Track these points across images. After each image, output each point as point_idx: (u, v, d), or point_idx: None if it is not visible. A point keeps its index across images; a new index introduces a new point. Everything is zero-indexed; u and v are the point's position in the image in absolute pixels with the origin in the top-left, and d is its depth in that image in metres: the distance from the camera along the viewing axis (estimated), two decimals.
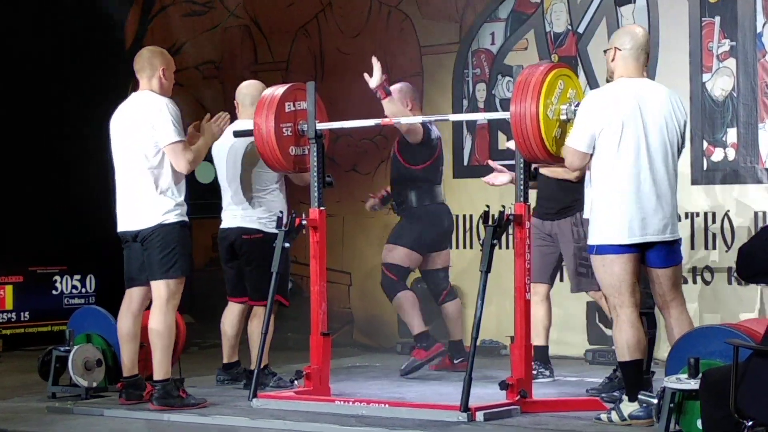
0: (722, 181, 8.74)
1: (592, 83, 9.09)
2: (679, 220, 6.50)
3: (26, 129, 10.58)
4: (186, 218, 7.18)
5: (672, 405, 5.54)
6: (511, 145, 7.80)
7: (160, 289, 7.08)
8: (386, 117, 7.92)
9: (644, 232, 6.21)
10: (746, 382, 4.79)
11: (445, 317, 8.68)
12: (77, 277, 10.88)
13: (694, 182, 8.81)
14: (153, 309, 7.12)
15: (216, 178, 8.10)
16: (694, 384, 5.39)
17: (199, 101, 11.08)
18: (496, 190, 8.97)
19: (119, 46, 11.39)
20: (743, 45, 8.65)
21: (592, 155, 6.30)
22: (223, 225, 7.98)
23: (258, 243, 7.79)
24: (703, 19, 8.81)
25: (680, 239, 6.40)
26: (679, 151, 6.38)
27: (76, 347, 7.54)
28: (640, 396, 6.08)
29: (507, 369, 6.88)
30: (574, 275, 7.72)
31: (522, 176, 6.72)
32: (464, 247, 9.90)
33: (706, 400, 5.01)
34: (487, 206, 6.70)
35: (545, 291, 7.83)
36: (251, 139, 7.57)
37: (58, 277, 10.78)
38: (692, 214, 8.79)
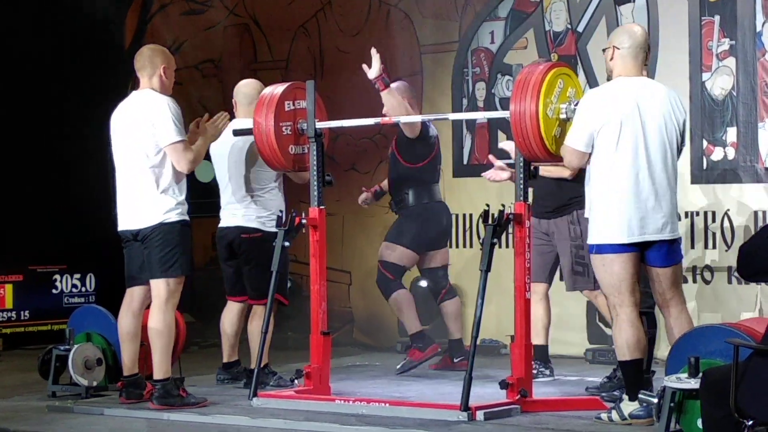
0: (722, 181, 8.74)
1: (592, 82, 9.10)
2: (679, 219, 6.50)
3: (26, 129, 10.59)
4: (187, 217, 7.18)
5: (672, 404, 5.54)
6: (505, 146, 7.83)
7: (159, 287, 7.08)
8: (385, 115, 7.94)
9: (643, 231, 6.21)
10: (746, 381, 4.79)
11: (444, 316, 8.68)
12: (77, 276, 10.88)
13: (693, 181, 8.81)
14: (152, 308, 7.12)
15: (215, 177, 8.10)
16: (694, 383, 5.39)
17: (199, 100, 11.07)
18: (495, 189, 8.99)
19: (118, 45, 11.39)
20: (743, 44, 8.66)
21: (590, 154, 6.30)
22: (222, 224, 7.98)
23: (257, 242, 7.79)
24: (702, 18, 8.81)
25: (680, 238, 6.40)
26: (679, 150, 6.37)
27: (76, 346, 7.54)
28: (640, 395, 6.07)
29: (507, 368, 6.88)
30: (570, 274, 7.72)
31: (522, 175, 6.72)
32: (464, 246, 9.91)
33: (706, 400, 5.01)
34: (487, 205, 6.70)
35: (544, 290, 7.83)
36: (252, 137, 7.57)
37: (58, 276, 10.79)
38: (692, 213, 8.80)
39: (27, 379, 8.29)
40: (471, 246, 9.85)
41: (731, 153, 8.71)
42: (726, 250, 8.67)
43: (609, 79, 6.45)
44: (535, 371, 7.26)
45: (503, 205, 6.77)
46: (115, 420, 6.94)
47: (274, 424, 6.57)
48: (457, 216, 9.80)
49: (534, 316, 7.26)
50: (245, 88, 8.06)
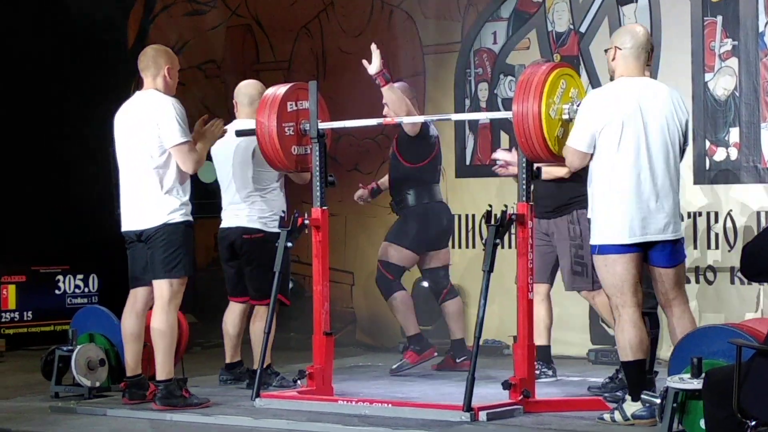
0: (724, 181, 8.73)
1: (594, 83, 9.09)
2: (682, 220, 6.49)
3: (26, 129, 10.59)
4: (191, 218, 7.19)
5: (675, 405, 5.54)
6: (499, 155, 7.83)
7: (162, 288, 7.08)
8: (387, 116, 7.94)
9: (644, 231, 6.21)
10: (749, 381, 4.79)
11: (446, 316, 8.69)
12: (80, 276, 10.88)
13: (696, 182, 8.81)
14: (155, 309, 7.12)
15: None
16: (697, 384, 5.39)
17: (201, 100, 11.08)
18: (498, 189, 8.99)
19: (121, 45, 11.39)
20: (745, 44, 8.65)
21: (592, 155, 6.30)
22: (224, 224, 7.99)
23: (258, 242, 7.79)
24: (705, 18, 8.81)
25: (683, 238, 6.40)
26: (682, 150, 6.37)
27: (79, 347, 7.55)
28: (643, 396, 6.07)
29: (510, 369, 6.88)
30: (569, 273, 7.72)
31: (524, 176, 6.72)
32: (467, 246, 9.90)
33: (709, 400, 5.02)
34: (490, 206, 6.70)
35: (545, 290, 7.83)
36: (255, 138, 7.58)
37: (60, 277, 10.79)
38: (695, 213, 8.79)
39: (30, 380, 8.29)
40: (473, 246, 9.85)
41: (734, 153, 8.71)
42: (728, 251, 8.67)
43: (612, 79, 6.45)
44: (537, 372, 7.26)
45: (506, 206, 6.77)
46: (117, 421, 6.94)
47: (276, 425, 6.57)
48: (459, 216, 9.80)
49: (536, 316, 7.26)
50: (246, 89, 8.07)
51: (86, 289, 10.91)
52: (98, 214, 10.02)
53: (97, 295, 10.90)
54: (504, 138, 9.61)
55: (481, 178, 9.49)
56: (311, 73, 10.46)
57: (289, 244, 7.28)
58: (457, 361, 8.52)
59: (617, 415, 6.26)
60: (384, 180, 8.88)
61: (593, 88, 8.59)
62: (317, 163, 7.35)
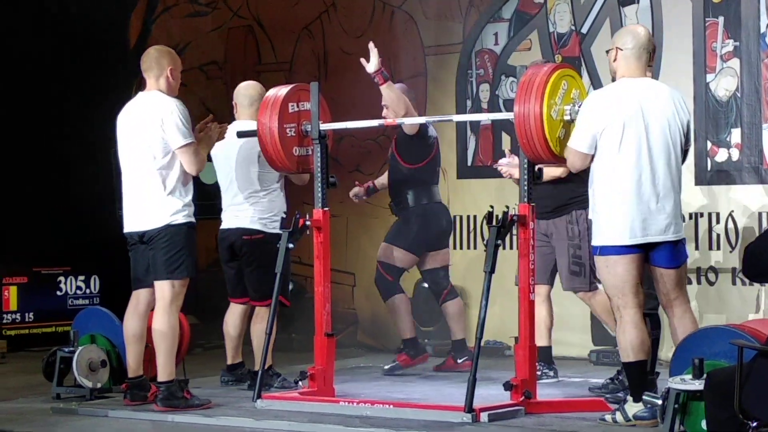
0: (726, 182, 8.73)
1: (596, 84, 9.09)
2: (683, 221, 6.49)
3: (26, 129, 10.59)
4: (193, 219, 7.18)
5: (676, 406, 5.54)
6: (502, 167, 7.82)
7: (164, 289, 7.08)
8: (386, 117, 7.95)
9: (645, 232, 6.20)
10: (751, 382, 4.79)
11: (446, 316, 8.70)
12: (81, 277, 10.88)
13: (698, 182, 8.80)
14: (157, 310, 7.12)
15: None
16: (698, 385, 5.39)
17: (203, 101, 11.07)
18: (499, 190, 8.99)
19: (121, 45, 11.39)
20: (747, 45, 8.65)
21: (594, 156, 6.30)
22: (224, 225, 7.99)
23: (258, 243, 7.80)
24: (706, 19, 8.80)
25: (684, 239, 6.39)
26: (684, 151, 6.36)
27: (80, 348, 7.54)
28: (644, 397, 6.07)
29: (511, 370, 6.88)
30: (567, 274, 7.72)
31: (526, 177, 6.71)
32: (468, 247, 9.90)
33: (710, 401, 5.02)
34: (491, 207, 6.70)
35: (546, 292, 7.83)
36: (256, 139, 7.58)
37: (62, 278, 10.78)
38: (696, 214, 8.79)
39: (31, 381, 8.29)
40: (475, 248, 9.85)
41: (735, 154, 8.70)
42: (730, 252, 8.67)
43: (613, 80, 6.45)
44: (539, 373, 7.26)
45: (507, 207, 6.76)
46: (119, 422, 6.94)
47: (278, 426, 6.57)
48: (461, 217, 9.80)
49: (537, 317, 7.26)
50: (245, 90, 8.07)
51: (87, 291, 10.91)
52: (99, 214, 10.01)
53: (99, 296, 10.89)
54: (505, 139, 9.61)
55: (483, 179, 9.49)
56: (313, 74, 10.46)
57: (291, 246, 7.28)
58: (459, 361, 8.53)
59: (619, 416, 6.26)
60: (381, 179, 8.90)
61: (595, 89, 8.59)
62: (319, 164, 7.35)
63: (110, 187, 9.26)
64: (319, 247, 7.35)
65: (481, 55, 9.96)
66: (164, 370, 7.05)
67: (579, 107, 6.44)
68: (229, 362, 8.06)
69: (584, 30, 9.42)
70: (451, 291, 8.70)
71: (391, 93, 8.02)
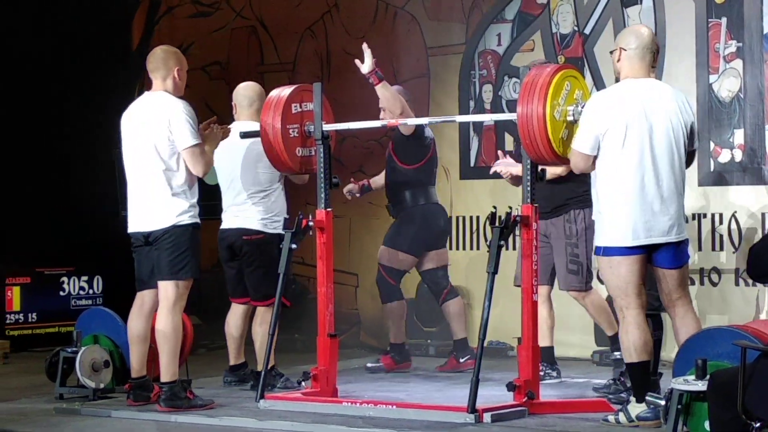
0: (729, 183, 8.73)
1: (599, 84, 9.09)
2: (686, 221, 6.48)
3: (27, 129, 10.59)
4: (198, 220, 7.18)
5: (679, 406, 5.54)
6: (498, 167, 7.82)
7: (168, 289, 7.08)
8: (383, 118, 7.97)
9: (649, 234, 6.20)
10: (754, 383, 4.79)
11: (447, 316, 8.72)
12: (84, 278, 10.88)
13: (701, 183, 8.80)
14: (160, 310, 7.12)
15: None
16: (701, 385, 5.38)
17: (206, 102, 11.07)
18: (502, 191, 8.99)
19: (122, 45, 11.39)
20: (750, 46, 8.65)
21: (597, 156, 6.29)
22: (224, 225, 8.00)
23: (258, 243, 7.80)
24: (709, 20, 8.80)
25: (687, 239, 6.39)
26: (689, 153, 6.35)
27: (83, 348, 7.55)
28: (647, 397, 6.07)
29: (514, 370, 6.88)
30: (564, 272, 7.73)
31: (529, 177, 6.71)
32: (470, 248, 9.90)
33: (713, 402, 5.02)
34: (494, 207, 6.70)
35: (546, 292, 7.83)
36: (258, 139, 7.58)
37: (65, 279, 10.79)
38: (699, 215, 8.79)
39: (34, 381, 8.29)
40: (477, 248, 9.84)
41: (738, 155, 8.70)
42: (733, 252, 8.67)
43: (617, 80, 6.44)
44: (541, 373, 7.26)
45: (510, 208, 6.76)
46: (122, 422, 6.95)
47: (281, 426, 6.58)
48: (463, 218, 9.81)
49: (539, 318, 7.26)
50: (245, 91, 8.08)
51: (91, 291, 10.91)
52: (102, 215, 10.02)
53: (102, 297, 10.90)
54: (508, 140, 9.61)
55: (485, 180, 9.48)
56: (315, 75, 10.46)
57: (294, 246, 7.28)
58: (461, 360, 8.54)
59: (622, 417, 6.25)
60: (377, 179, 8.92)
61: (598, 89, 8.59)
62: (321, 164, 7.36)
63: (112, 188, 9.27)
64: (321, 248, 7.35)
65: (484, 55, 9.96)
66: (167, 371, 7.05)
67: (582, 108, 6.44)
68: (231, 363, 8.06)
69: (587, 31, 9.42)
70: (450, 291, 8.72)
71: (386, 92, 8.05)
